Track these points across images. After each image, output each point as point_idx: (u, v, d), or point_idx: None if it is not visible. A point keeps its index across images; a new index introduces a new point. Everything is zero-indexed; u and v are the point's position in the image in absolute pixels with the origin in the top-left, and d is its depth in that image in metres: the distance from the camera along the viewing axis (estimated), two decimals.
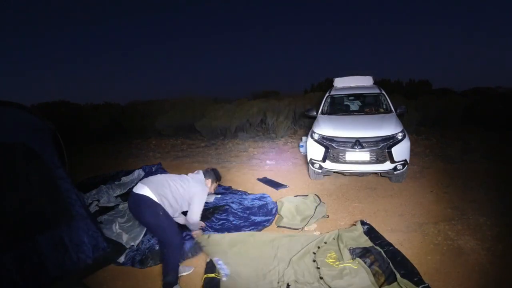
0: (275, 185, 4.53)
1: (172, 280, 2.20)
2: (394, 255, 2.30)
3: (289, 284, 2.12)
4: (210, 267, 2.35)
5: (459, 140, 6.64)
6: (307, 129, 6.45)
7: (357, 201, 3.79)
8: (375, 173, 4.43)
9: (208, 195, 2.71)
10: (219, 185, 4.51)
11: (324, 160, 4.10)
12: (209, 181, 2.74)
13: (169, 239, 2.26)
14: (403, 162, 3.94)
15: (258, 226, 3.21)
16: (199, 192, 2.53)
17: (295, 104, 9.09)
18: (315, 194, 3.85)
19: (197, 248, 2.70)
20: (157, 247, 2.75)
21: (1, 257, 2.08)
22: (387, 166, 3.92)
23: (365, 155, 3.92)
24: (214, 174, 2.80)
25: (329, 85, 6.33)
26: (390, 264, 2.19)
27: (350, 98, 5.62)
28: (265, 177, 4.90)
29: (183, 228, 2.79)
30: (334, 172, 4.36)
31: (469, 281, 2.22)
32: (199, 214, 2.55)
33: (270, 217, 3.36)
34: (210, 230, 3.08)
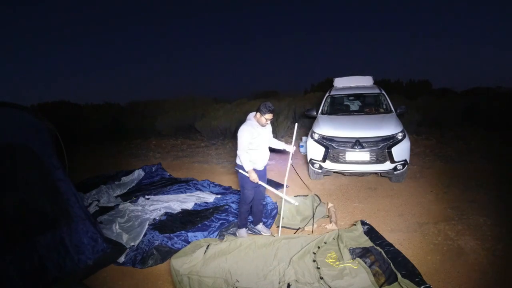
0: (275, 185, 4.52)
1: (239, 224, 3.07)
2: (395, 255, 2.30)
3: (290, 284, 2.12)
4: None
5: (459, 140, 6.64)
6: (307, 129, 6.44)
7: (357, 201, 3.79)
8: (375, 173, 4.43)
9: (256, 128, 2.75)
10: (219, 185, 4.51)
11: (324, 160, 4.10)
12: (257, 114, 2.76)
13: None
14: (403, 162, 3.94)
15: None
16: (239, 129, 2.77)
17: (295, 104, 9.08)
18: (315, 194, 3.85)
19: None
20: (157, 244, 2.81)
21: (1, 258, 2.08)
22: (387, 166, 3.92)
23: (365, 155, 3.92)
24: (259, 107, 2.75)
25: (329, 85, 6.33)
26: (391, 264, 2.19)
27: (350, 98, 5.62)
28: None
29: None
30: (334, 172, 4.36)
31: (469, 281, 2.22)
32: (240, 150, 2.75)
33: (269, 219, 3.36)
34: (210, 229, 3.09)
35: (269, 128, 2.93)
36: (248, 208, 3.01)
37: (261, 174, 2.93)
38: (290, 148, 2.98)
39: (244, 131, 2.71)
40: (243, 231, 3.02)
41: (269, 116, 2.69)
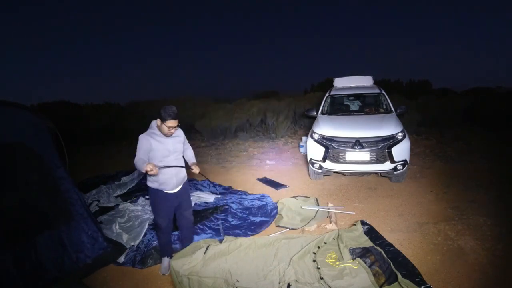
0: (275, 185, 4.53)
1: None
2: (395, 255, 2.30)
3: (290, 284, 2.12)
4: None
5: (459, 140, 6.64)
6: (307, 129, 6.45)
7: (357, 201, 3.79)
8: (375, 173, 4.43)
9: (158, 137, 2.24)
10: (219, 185, 4.51)
11: (324, 160, 4.10)
12: (158, 121, 2.23)
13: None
14: (403, 162, 3.94)
15: (257, 226, 3.22)
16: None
17: (295, 104, 9.09)
18: (316, 198, 3.83)
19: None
20: (155, 244, 2.78)
21: (0, 257, 2.08)
22: (387, 166, 3.92)
23: (365, 155, 3.92)
24: (160, 112, 2.19)
25: (329, 85, 6.33)
26: (391, 264, 2.18)
27: (350, 98, 5.62)
28: (265, 177, 4.90)
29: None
30: (334, 172, 4.36)
31: (469, 281, 2.22)
32: (136, 158, 2.17)
33: (269, 219, 3.36)
34: (209, 230, 3.09)
35: (179, 137, 2.40)
36: (167, 237, 2.54)
37: (175, 197, 2.44)
38: (195, 169, 2.45)
39: (140, 140, 2.21)
40: (165, 261, 2.54)
41: (171, 123, 2.15)
